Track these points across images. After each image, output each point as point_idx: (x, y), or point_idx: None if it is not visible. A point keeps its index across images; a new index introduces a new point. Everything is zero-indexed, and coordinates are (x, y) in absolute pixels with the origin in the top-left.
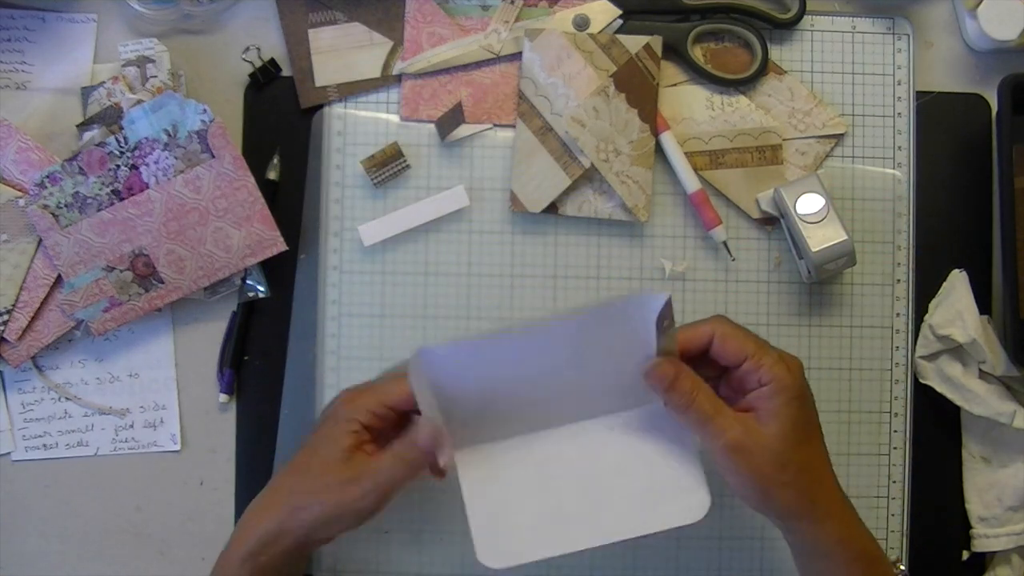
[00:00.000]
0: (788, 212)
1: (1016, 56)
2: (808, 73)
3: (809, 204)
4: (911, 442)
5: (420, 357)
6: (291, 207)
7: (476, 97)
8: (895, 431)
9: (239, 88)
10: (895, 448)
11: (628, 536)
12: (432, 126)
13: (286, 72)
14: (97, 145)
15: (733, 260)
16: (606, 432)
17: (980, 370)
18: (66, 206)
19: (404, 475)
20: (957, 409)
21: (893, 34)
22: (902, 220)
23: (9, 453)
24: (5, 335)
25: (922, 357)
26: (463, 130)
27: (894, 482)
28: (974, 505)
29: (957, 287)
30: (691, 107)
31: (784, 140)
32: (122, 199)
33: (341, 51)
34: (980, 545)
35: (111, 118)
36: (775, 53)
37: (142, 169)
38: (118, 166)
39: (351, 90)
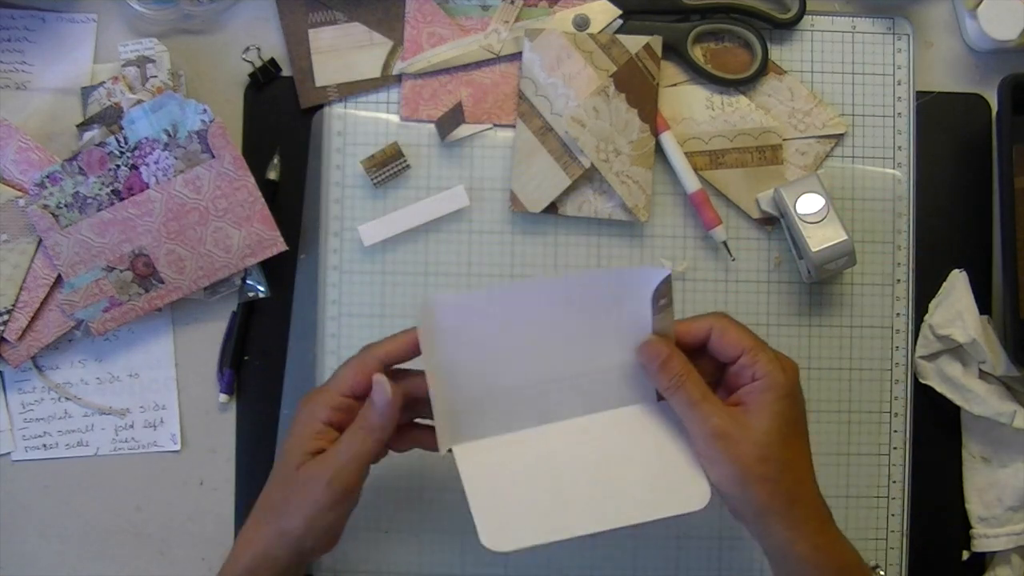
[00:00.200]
0: (788, 212)
1: (1016, 56)
2: (808, 73)
3: (809, 204)
4: (911, 442)
5: (432, 307)
6: (291, 207)
7: (476, 97)
8: (895, 431)
9: (239, 88)
10: (895, 448)
11: (630, 523)
12: (432, 126)
13: (286, 72)
14: (97, 145)
15: (733, 260)
16: (608, 426)
17: (980, 370)
18: (66, 206)
19: (367, 446)
20: (957, 409)
21: (893, 34)
22: (902, 220)
23: (9, 453)
24: (5, 335)
25: (922, 357)
26: (463, 130)
27: (894, 482)
28: (974, 505)
29: (957, 287)
30: (691, 107)
31: (784, 140)
32: (122, 199)
33: (341, 51)
34: (980, 545)
35: (111, 118)
36: (775, 53)
37: (142, 169)
38: (118, 166)
39: (351, 90)
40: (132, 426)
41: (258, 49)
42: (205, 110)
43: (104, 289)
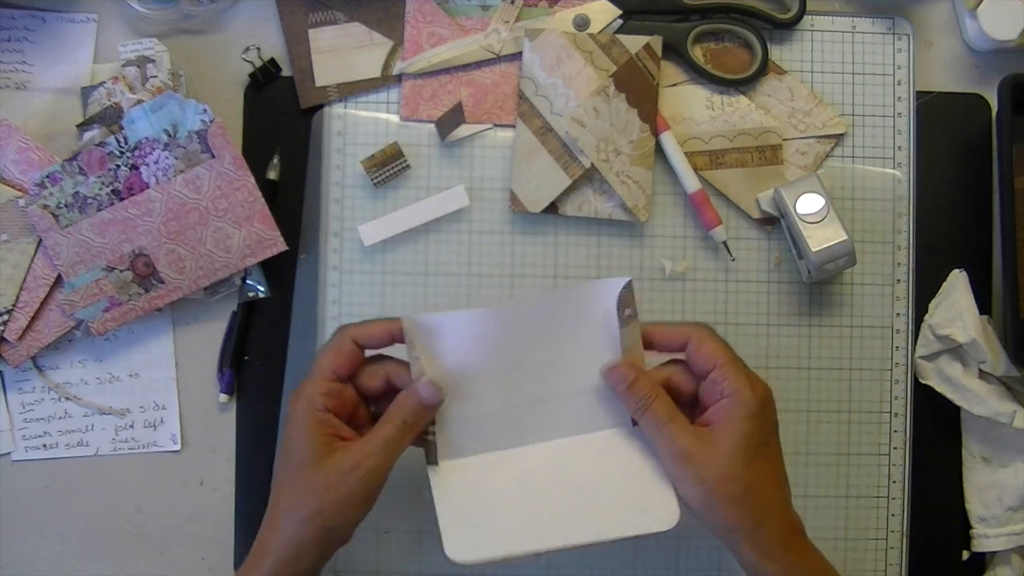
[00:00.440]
0: (788, 212)
1: (1016, 56)
2: (808, 73)
3: (809, 204)
4: (911, 442)
5: (413, 327)
6: (291, 207)
7: (476, 97)
8: (895, 431)
9: (239, 88)
10: (895, 448)
11: (597, 539)
12: (432, 126)
13: (286, 72)
14: (97, 145)
15: (733, 260)
16: (582, 448)
17: (980, 370)
18: (66, 206)
19: (406, 440)
20: (957, 409)
21: (893, 34)
22: (902, 220)
23: (9, 453)
24: (5, 335)
25: (922, 357)
26: (463, 130)
27: (894, 482)
28: (974, 505)
29: (957, 287)
30: (691, 107)
31: (784, 140)
32: (122, 199)
33: (341, 51)
34: (980, 545)
35: (111, 118)
36: (775, 53)
37: (142, 169)
38: (118, 166)
39: (351, 90)
40: (132, 426)
41: (258, 49)
42: (205, 110)
43: (104, 289)
